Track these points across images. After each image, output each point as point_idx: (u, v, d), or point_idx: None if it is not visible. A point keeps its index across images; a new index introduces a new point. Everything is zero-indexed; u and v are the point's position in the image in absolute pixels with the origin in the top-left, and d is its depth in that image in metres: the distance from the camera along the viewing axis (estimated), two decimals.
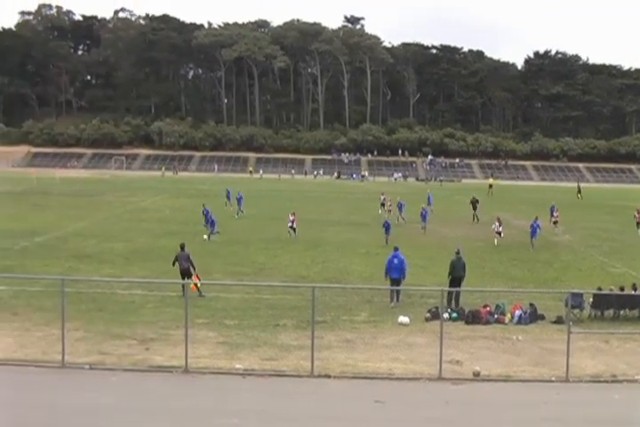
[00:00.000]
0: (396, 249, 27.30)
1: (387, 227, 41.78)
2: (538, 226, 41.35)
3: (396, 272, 26.30)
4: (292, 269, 32.86)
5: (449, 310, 23.60)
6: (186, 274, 26.43)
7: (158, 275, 27.19)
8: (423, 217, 47.74)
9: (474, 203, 56.30)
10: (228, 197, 61.12)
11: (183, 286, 25.43)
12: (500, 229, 42.47)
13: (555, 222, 46.72)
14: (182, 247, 27.47)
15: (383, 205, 57.36)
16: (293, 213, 43.96)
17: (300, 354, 18.73)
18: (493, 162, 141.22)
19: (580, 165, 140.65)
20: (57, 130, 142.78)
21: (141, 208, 59.47)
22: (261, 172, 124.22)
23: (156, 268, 28.38)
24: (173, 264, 26.99)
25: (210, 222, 43.04)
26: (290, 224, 43.44)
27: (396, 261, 26.51)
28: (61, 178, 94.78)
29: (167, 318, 22.52)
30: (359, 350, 19.77)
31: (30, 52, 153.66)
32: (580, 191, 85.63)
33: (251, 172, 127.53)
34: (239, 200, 55.29)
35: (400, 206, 53.51)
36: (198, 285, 25.21)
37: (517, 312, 23.65)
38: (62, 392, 15.99)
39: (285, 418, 14.77)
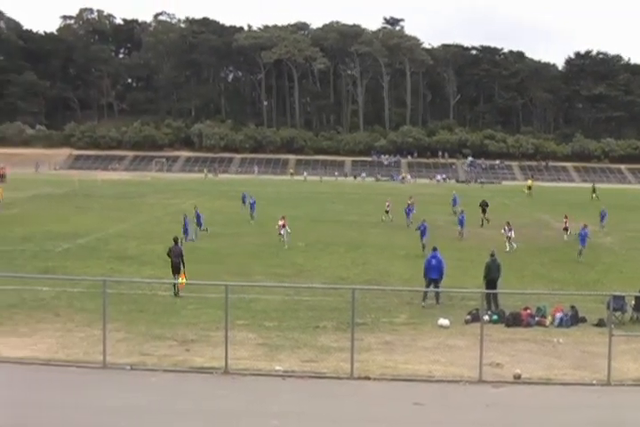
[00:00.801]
0: (434, 249, 27.35)
1: (422, 230, 39.54)
2: (586, 234, 39.90)
3: (434, 273, 26.35)
4: (332, 270, 32.91)
5: (489, 313, 23.47)
6: (175, 269, 26.72)
7: (198, 277, 27.26)
8: (460, 222, 45.75)
9: (483, 206, 55.04)
10: (243, 202, 60.54)
11: (174, 285, 25.99)
12: (510, 234, 40.53)
13: (565, 229, 45.24)
14: (175, 241, 27.95)
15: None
16: (283, 218, 42.25)
17: (340, 356, 18.75)
18: (534, 163, 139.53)
19: (622, 167, 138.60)
20: (98, 133, 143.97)
21: (182, 210, 59.51)
22: (305, 174, 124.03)
23: (196, 269, 28.45)
24: (168, 255, 27.65)
25: (184, 230, 41.18)
26: (280, 230, 41.60)
27: (434, 261, 26.57)
28: (103, 180, 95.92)
29: (207, 319, 22.65)
30: (399, 352, 19.74)
31: (72, 56, 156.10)
32: (594, 191, 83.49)
33: (292, 174, 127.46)
34: (252, 205, 54.19)
35: (408, 211, 52.58)
36: (184, 283, 25.61)
37: (558, 315, 23.48)
38: (103, 392, 16.12)
39: (325, 420, 14.79)
